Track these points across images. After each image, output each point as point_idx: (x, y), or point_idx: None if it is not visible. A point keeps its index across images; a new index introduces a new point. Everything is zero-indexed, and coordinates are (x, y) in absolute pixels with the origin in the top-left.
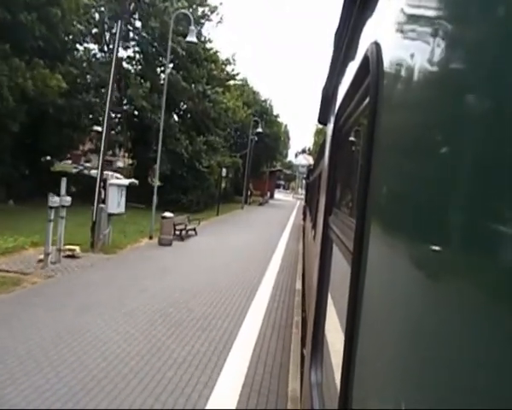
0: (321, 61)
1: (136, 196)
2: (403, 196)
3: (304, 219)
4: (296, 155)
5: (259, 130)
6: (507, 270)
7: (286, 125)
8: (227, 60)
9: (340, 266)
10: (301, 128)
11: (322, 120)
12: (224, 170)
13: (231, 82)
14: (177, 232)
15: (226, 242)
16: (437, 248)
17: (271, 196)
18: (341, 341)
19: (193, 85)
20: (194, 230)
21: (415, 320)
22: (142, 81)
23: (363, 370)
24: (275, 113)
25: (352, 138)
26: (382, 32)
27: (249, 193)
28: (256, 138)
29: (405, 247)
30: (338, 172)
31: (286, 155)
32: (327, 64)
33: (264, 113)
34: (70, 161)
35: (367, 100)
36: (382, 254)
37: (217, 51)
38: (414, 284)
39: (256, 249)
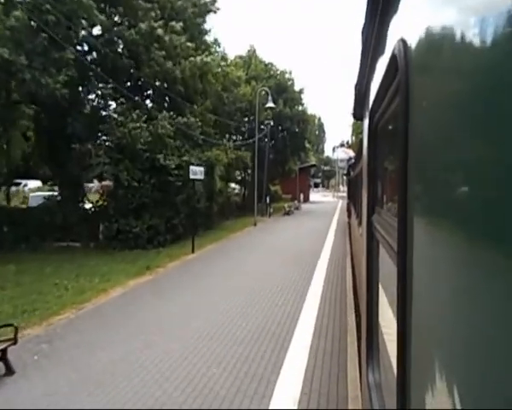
0: (353, 55)
1: (63, 228)
2: (442, 193)
3: (349, 215)
4: (334, 150)
5: (271, 104)
6: None
7: (320, 118)
8: None
9: (389, 266)
10: (338, 123)
11: (358, 115)
12: (198, 169)
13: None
14: None
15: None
16: (484, 246)
17: (306, 199)
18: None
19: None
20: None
21: (465, 319)
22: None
23: (418, 370)
24: (297, 88)
25: (387, 135)
26: (408, 28)
27: (268, 200)
28: (271, 122)
29: (450, 245)
30: (377, 170)
31: (322, 151)
32: (358, 59)
33: (282, 89)
34: None
35: (398, 97)
36: (427, 253)
37: None
38: (462, 282)
39: None
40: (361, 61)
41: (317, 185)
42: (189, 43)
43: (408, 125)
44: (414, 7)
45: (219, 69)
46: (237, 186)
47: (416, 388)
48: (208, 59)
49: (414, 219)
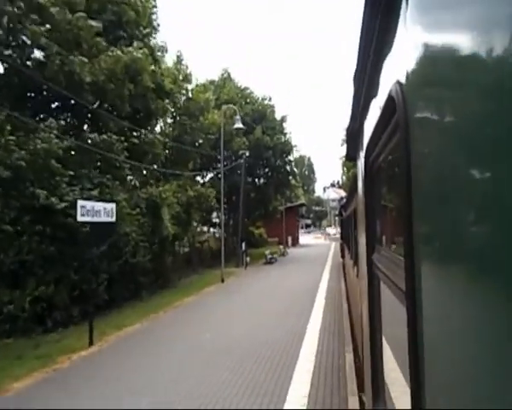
0: (342, 96)
1: None
2: (449, 230)
3: (342, 256)
4: (324, 190)
5: (239, 125)
6: None
7: (309, 158)
8: None
9: (392, 305)
10: (327, 163)
11: (351, 156)
12: (102, 207)
13: None
14: None
15: None
16: (497, 282)
17: (295, 242)
18: (402, 383)
19: None
20: None
21: (478, 359)
22: None
23: None
24: (279, 116)
25: (386, 174)
26: (404, 71)
27: (243, 247)
28: (247, 153)
29: (460, 283)
30: (376, 209)
31: (313, 191)
32: (348, 99)
33: (261, 117)
34: None
35: (396, 137)
36: (437, 293)
37: None
38: (473, 321)
39: None
40: (353, 102)
41: (308, 226)
42: (93, 22)
43: (410, 164)
44: (408, 49)
45: (174, 84)
46: (215, 230)
47: None
48: (138, 54)
49: (421, 257)
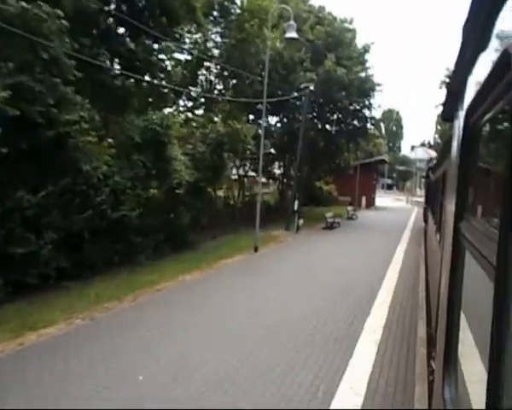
0: (438, 48)
1: None
2: None
3: (425, 220)
4: (412, 148)
5: (292, 34)
6: None
7: (398, 112)
8: None
9: (476, 278)
10: (418, 120)
11: (448, 116)
12: None
13: None
14: None
15: None
16: None
17: (370, 204)
18: (476, 357)
19: None
20: None
21: None
22: None
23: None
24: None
25: (490, 136)
26: None
27: (295, 206)
28: (311, 86)
29: None
30: (470, 175)
31: (398, 149)
32: (442, 55)
33: (336, 43)
34: None
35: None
36: None
37: None
38: None
39: None
40: (458, 56)
41: (389, 187)
42: None
43: None
44: None
45: None
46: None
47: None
48: None
49: None
